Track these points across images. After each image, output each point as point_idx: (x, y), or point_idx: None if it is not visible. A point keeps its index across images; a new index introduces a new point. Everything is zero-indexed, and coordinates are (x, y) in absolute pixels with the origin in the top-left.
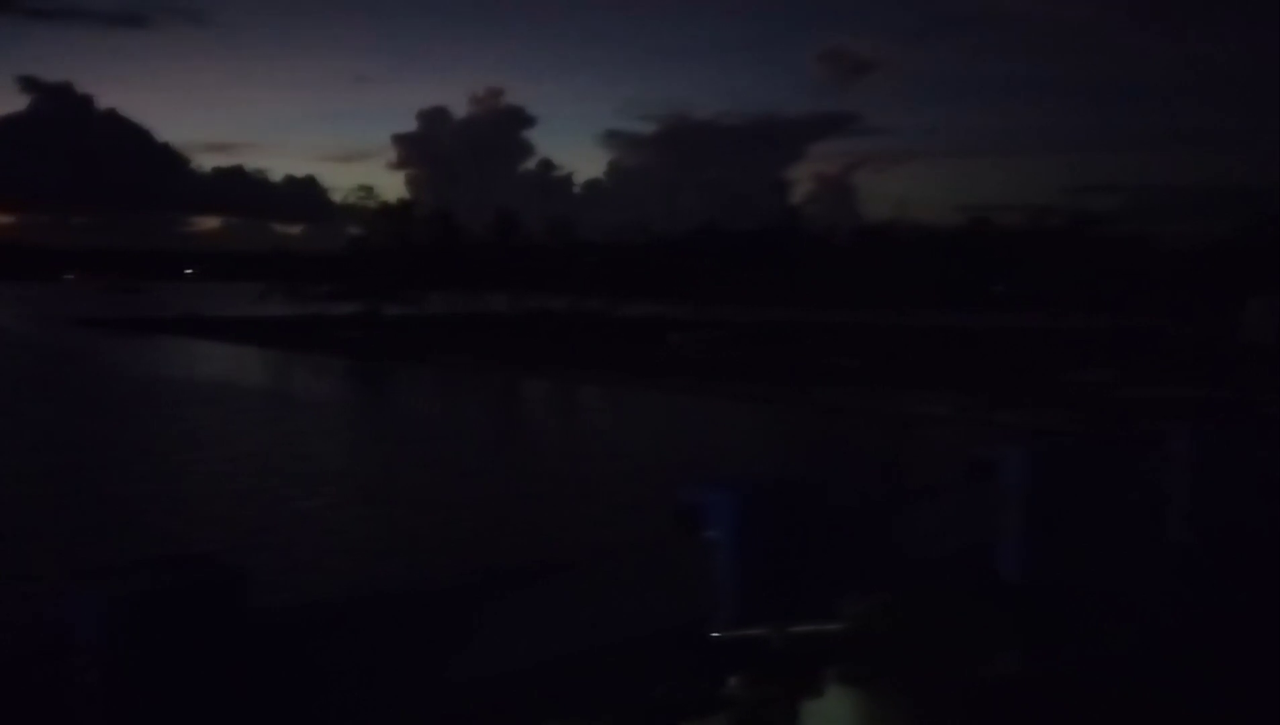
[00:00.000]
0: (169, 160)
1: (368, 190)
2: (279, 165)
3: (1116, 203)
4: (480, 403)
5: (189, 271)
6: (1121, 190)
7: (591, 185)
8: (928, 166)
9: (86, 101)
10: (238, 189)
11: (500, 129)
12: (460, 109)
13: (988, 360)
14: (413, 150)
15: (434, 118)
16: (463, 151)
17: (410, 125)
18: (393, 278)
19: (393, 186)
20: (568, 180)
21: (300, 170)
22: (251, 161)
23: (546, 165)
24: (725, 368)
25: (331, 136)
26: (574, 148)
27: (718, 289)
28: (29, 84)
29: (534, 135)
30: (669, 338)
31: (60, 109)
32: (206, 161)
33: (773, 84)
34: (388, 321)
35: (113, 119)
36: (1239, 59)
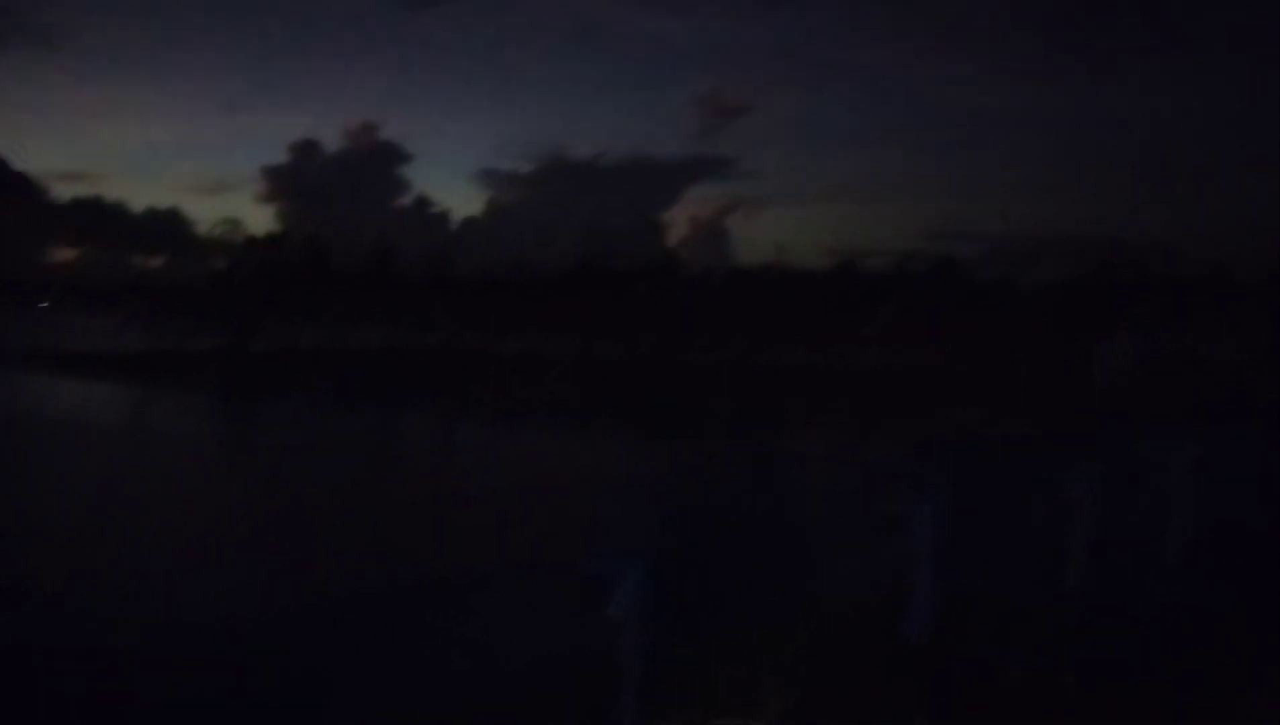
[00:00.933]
0: (22, 188)
1: (233, 223)
2: (141, 196)
3: (976, 250)
4: (329, 444)
5: (44, 304)
6: (981, 238)
7: (469, 222)
8: (798, 211)
9: None
10: (96, 220)
11: (375, 164)
12: (333, 142)
13: (855, 400)
14: (283, 183)
15: (305, 150)
16: (335, 185)
17: (280, 157)
18: (258, 312)
19: (261, 219)
20: (445, 216)
21: (163, 201)
22: (111, 192)
23: (423, 201)
24: (602, 407)
25: (196, 168)
26: (451, 184)
27: (595, 327)
28: None
29: (410, 171)
30: (546, 375)
31: None
32: (63, 192)
33: (649, 126)
34: (249, 357)
35: None
36: (1086, 115)
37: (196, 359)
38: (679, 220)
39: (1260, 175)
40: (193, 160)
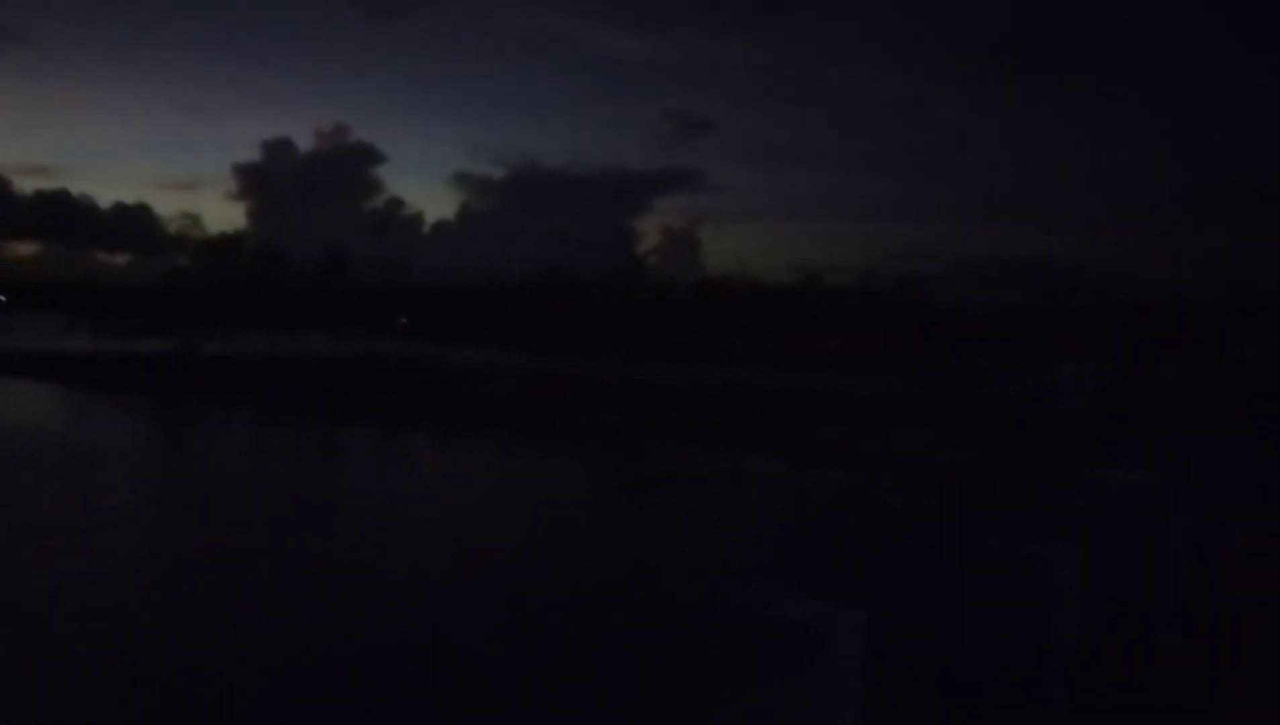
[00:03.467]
0: None
1: (193, 218)
2: (108, 192)
3: (938, 269)
4: (274, 456)
5: (1, 298)
6: (942, 258)
7: (441, 226)
8: (764, 226)
9: None
10: (60, 214)
11: (347, 165)
12: (306, 142)
13: (814, 419)
14: (253, 182)
15: (277, 149)
16: (307, 185)
17: (251, 156)
18: (212, 313)
19: (232, 218)
20: (417, 220)
21: (131, 198)
22: (77, 186)
23: (396, 203)
24: (551, 422)
25: (167, 165)
26: (424, 188)
27: (555, 338)
28: None
29: (383, 172)
30: (498, 387)
31: None
32: (26, 185)
33: (619, 138)
34: (199, 360)
35: None
36: (1045, 139)
37: (146, 361)
38: (649, 230)
39: (1219, 201)
40: (162, 157)
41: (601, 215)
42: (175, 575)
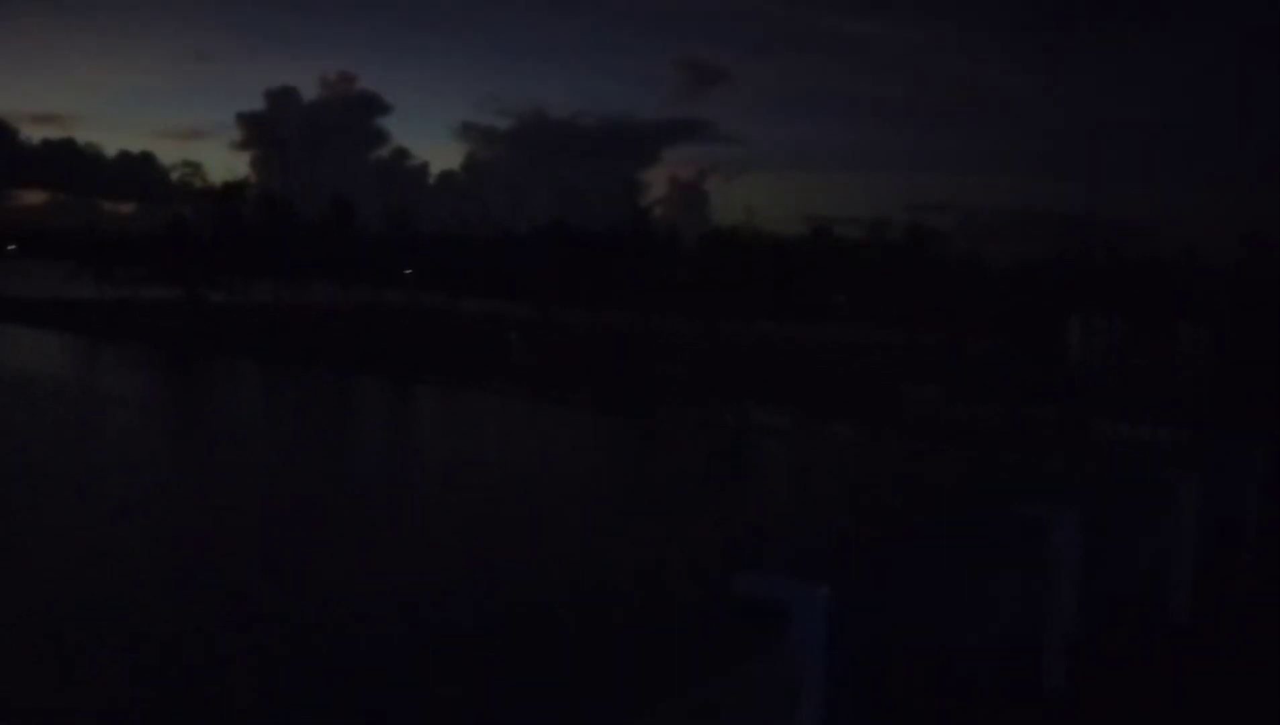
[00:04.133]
0: None
1: (194, 167)
2: (114, 141)
3: (950, 221)
4: (280, 407)
5: (9, 247)
6: (954, 210)
7: (446, 177)
8: (775, 177)
9: None
10: (67, 163)
11: (352, 114)
12: (311, 92)
13: (822, 373)
14: (258, 131)
15: (282, 99)
16: (312, 135)
17: (256, 105)
18: (216, 262)
19: (237, 167)
20: (423, 170)
21: (136, 147)
22: (84, 135)
23: (401, 154)
24: (557, 374)
25: (172, 113)
26: (430, 138)
27: (562, 289)
28: None
29: (389, 123)
30: (506, 337)
31: None
32: (34, 133)
33: (628, 88)
34: (205, 308)
35: None
36: (1062, 90)
37: (152, 308)
38: (657, 181)
39: (1239, 159)
40: (167, 106)
41: (609, 167)
42: (182, 520)
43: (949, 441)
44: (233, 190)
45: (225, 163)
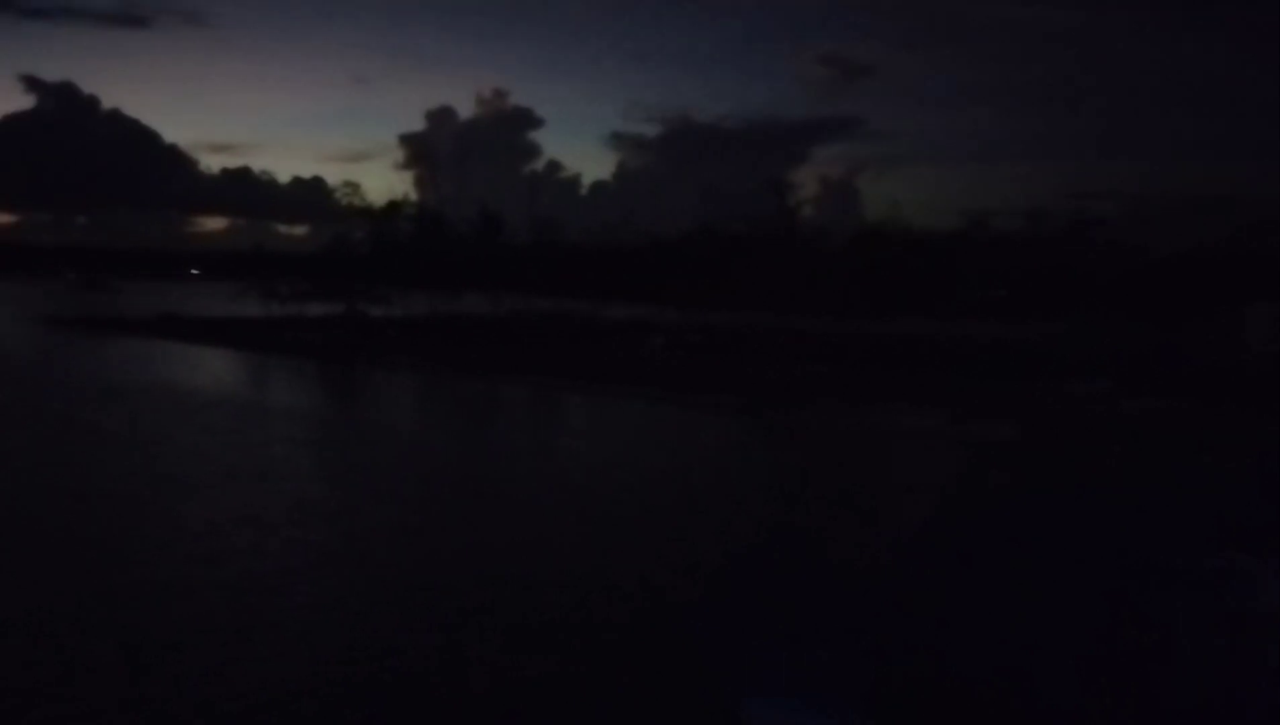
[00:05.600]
0: (175, 160)
1: (354, 188)
2: (285, 166)
3: (1113, 209)
4: (433, 412)
5: (195, 272)
6: (1118, 196)
7: (598, 187)
8: (928, 170)
9: (90, 101)
10: (244, 190)
11: (507, 130)
12: (467, 110)
13: (980, 370)
14: (418, 150)
15: (440, 118)
16: (468, 152)
17: (416, 125)
18: (374, 277)
19: (397, 186)
20: (575, 181)
21: (306, 171)
22: (257, 162)
23: (554, 166)
24: (702, 376)
25: (336, 137)
26: (581, 149)
27: (709, 292)
28: (30, 83)
29: (541, 136)
30: (649, 342)
31: (63, 108)
32: (213, 162)
33: (775, 87)
34: (364, 323)
35: (117, 119)
36: (1232, 67)
37: (315, 324)
38: (807, 181)
39: None
40: (333, 130)
41: (757, 167)
42: (357, 523)
43: (1122, 444)
44: (392, 209)
45: (388, 182)
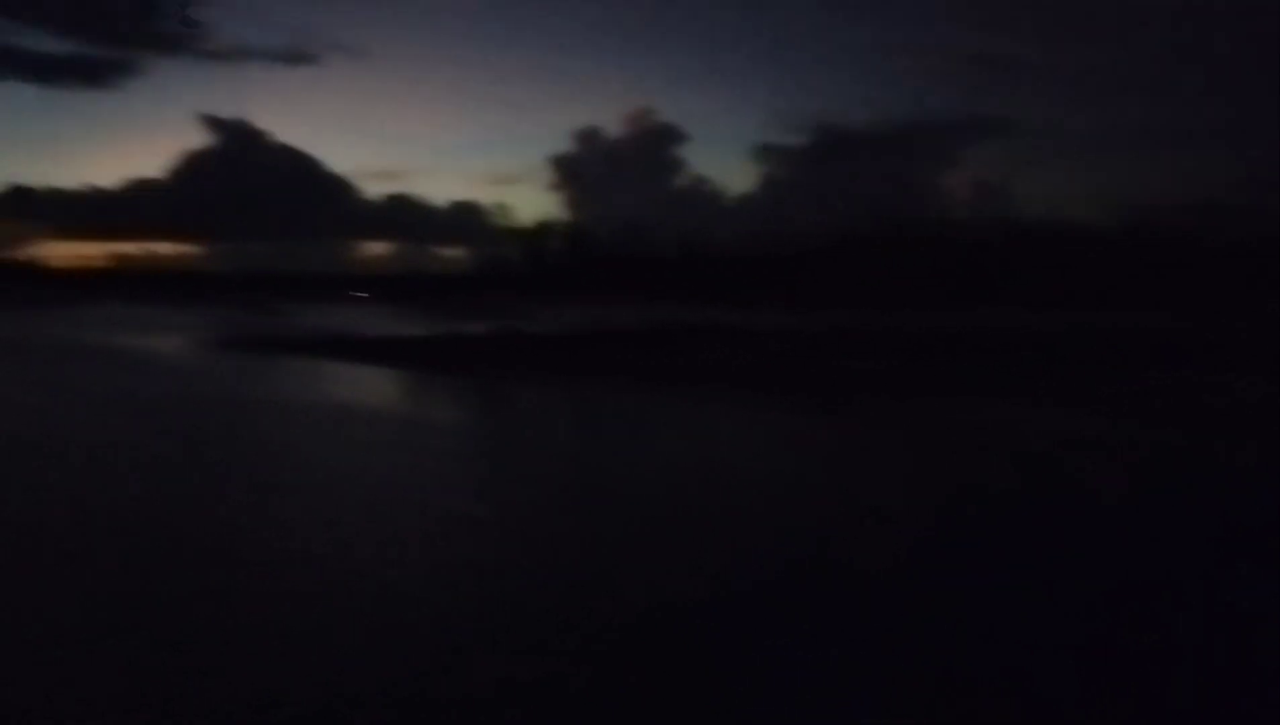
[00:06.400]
0: (340, 188)
1: (504, 209)
2: (441, 190)
3: None
4: (588, 424)
5: (359, 294)
6: None
7: (744, 199)
8: (1084, 165)
9: (262, 136)
10: (404, 214)
11: (652, 146)
12: (613, 129)
13: (1153, 371)
14: (566, 171)
15: (587, 138)
16: (615, 170)
17: (564, 147)
18: (527, 294)
19: (547, 206)
20: (721, 194)
21: (461, 194)
22: (416, 187)
23: (700, 181)
24: (857, 381)
25: (489, 161)
26: (726, 162)
27: (859, 297)
28: (209, 121)
29: (687, 151)
30: (797, 348)
31: (237, 144)
32: (375, 188)
33: (922, 88)
34: (517, 338)
35: (287, 151)
36: None
37: (471, 341)
38: (957, 182)
39: None
40: (486, 154)
41: (904, 171)
42: (523, 532)
43: None
44: (542, 228)
45: (538, 202)
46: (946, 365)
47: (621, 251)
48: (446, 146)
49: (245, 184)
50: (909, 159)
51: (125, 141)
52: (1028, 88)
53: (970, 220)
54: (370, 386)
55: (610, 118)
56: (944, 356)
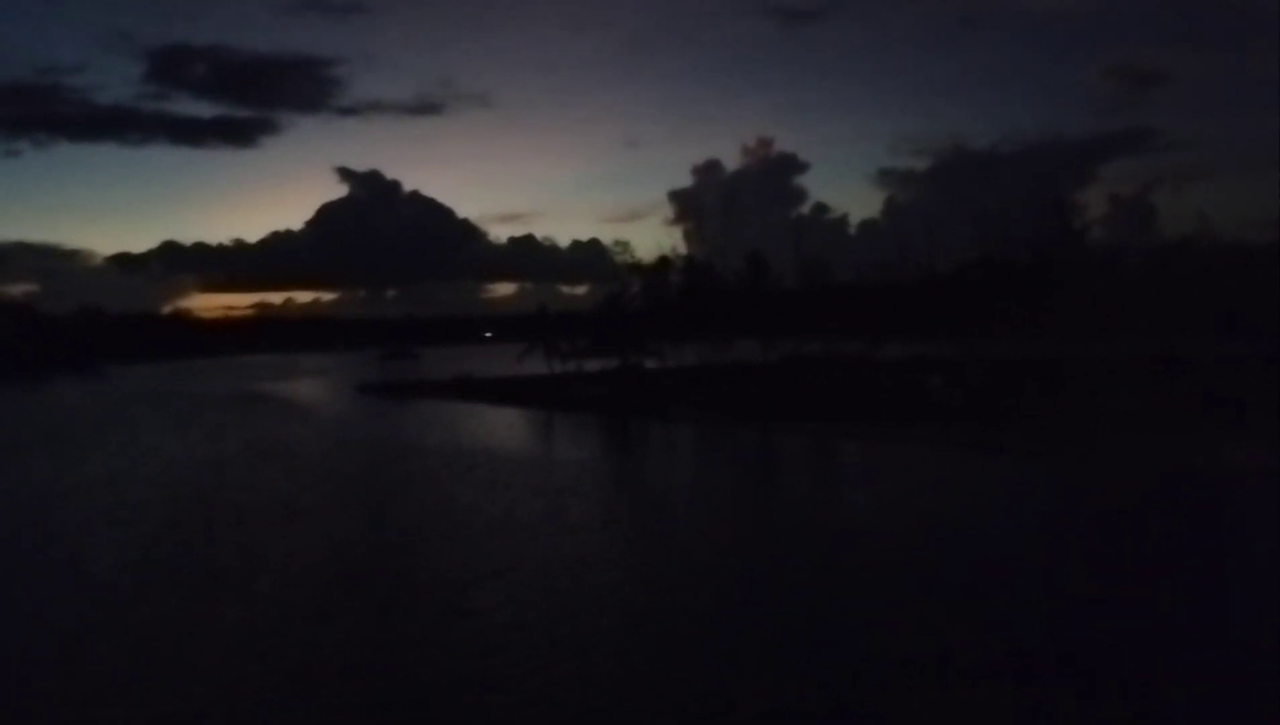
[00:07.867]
0: (468, 233)
1: (624, 245)
2: (565, 230)
3: None
4: (708, 463)
5: (487, 335)
6: None
7: (867, 225)
8: (1234, 180)
9: (394, 185)
10: (529, 255)
11: (772, 177)
12: (733, 161)
13: None
14: (687, 205)
15: (707, 172)
16: (735, 202)
17: (685, 181)
18: (648, 331)
19: (669, 242)
20: (842, 222)
21: (584, 233)
22: (540, 229)
23: (821, 209)
24: (987, 414)
25: (611, 199)
26: (848, 189)
27: (990, 324)
28: (344, 174)
29: (807, 179)
30: (927, 381)
31: (371, 194)
32: (501, 232)
33: (1053, 106)
34: (639, 376)
35: (417, 199)
36: None
37: (594, 379)
38: (1095, 200)
39: None
40: (606, 193)
41: (1037, 191)
42: (657, 565)
43: None
44: (663, 264)
45: (659, 238)
46: (1111, 398)
47: (741, 283)
48: (569, 187)
49: (378, 232)
50: (1041, 177)
51: (266, 196)
52: (1170, 100)
53: (1109, 239)
54: (497, 426)
55: (729, 150)
56: (1105, 388)
